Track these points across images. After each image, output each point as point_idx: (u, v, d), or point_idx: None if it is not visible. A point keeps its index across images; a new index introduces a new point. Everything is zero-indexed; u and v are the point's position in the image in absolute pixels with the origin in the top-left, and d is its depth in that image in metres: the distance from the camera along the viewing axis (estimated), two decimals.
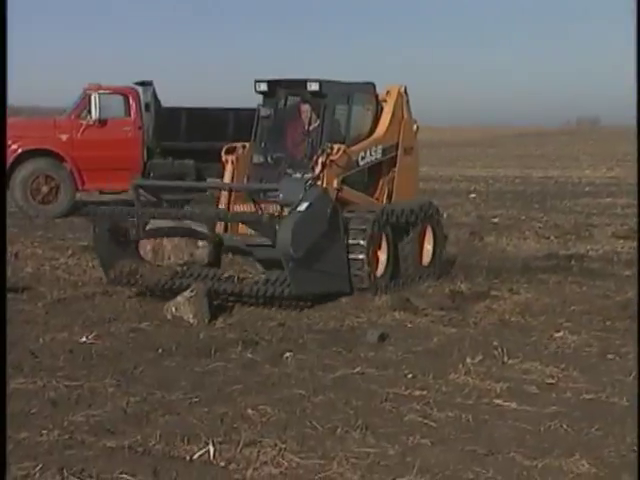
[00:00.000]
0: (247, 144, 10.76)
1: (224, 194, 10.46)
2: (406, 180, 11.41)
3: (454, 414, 5.94)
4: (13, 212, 17.71)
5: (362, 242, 9.72)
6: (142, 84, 18.43)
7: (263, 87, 10.78)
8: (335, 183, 9.95)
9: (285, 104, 10.95)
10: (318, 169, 9.88)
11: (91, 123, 17.88)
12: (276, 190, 9.85)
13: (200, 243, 10.03)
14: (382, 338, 7.73)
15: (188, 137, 17.61)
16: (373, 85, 11.14)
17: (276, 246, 9.00)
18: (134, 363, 7.18)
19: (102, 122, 17.92)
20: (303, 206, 9.33)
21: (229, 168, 10.63)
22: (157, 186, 14.45)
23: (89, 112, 17.96)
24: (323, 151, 9.96)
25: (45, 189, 17.92)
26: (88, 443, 5.37)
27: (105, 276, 10.01)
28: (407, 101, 11.42)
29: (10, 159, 17.75)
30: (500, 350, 7.35)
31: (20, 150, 17.88)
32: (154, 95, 18.25)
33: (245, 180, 10.63)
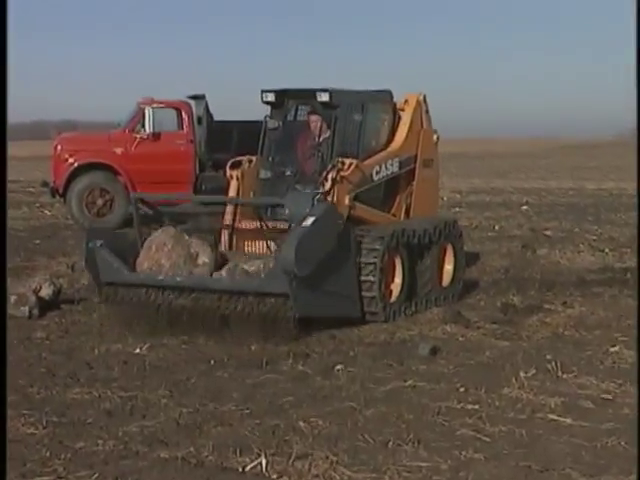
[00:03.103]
0: (254, 158, 10.26)
1: (228, 210, 9.93)
2: (425, 195, 10.83)
3: (507, 429, 5.88)
4: (69, 224, 18.20)
5: (373, 262, 9.14)
6: (195, 97, 18.50)
7: (270, 97, 10.30)
8: (347, 200, 9.40)
9: (295, 115, 10.45)
10: (328, 185, 9.38)
11: (145, 137, 18.01)
12: (281, 205, 9.42)
13: (200, 261, 9.40)
14: (434, 351, 7.69)
15: (239, 150, 16.55)
16: (390, 93, 10.63)
17: (278, 263, 8.55)
18: (187, 374, 7.25)
19: (155, 136, 18.06)
20: (309, 221, 8.80)
21: (234, 184, 10.13)
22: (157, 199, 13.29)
23: (143, 126, 18.11)
24: (333, 166, 9.45)
25: (100, 202, 18.03)
26: (142, 454, 5.42)
27: (98, 294, 9.64)
28: (427, 110, 10.88)
29: (67, 173, 18.07)
30: (554, 364, 7.27)
31: (76, 164, 18.13)
32: (206, 108, 18.36)
33: (251, 197, 10.14)
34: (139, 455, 5.40)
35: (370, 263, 9.15)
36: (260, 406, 6.37)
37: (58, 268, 12.65)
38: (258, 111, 10.70)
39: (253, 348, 8.09)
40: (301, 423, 5.98)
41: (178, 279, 8.95)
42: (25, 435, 5.78)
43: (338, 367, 7.39)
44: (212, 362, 7.61)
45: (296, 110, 10.46)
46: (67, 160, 18.17)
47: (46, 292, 9.96)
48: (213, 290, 8.84)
